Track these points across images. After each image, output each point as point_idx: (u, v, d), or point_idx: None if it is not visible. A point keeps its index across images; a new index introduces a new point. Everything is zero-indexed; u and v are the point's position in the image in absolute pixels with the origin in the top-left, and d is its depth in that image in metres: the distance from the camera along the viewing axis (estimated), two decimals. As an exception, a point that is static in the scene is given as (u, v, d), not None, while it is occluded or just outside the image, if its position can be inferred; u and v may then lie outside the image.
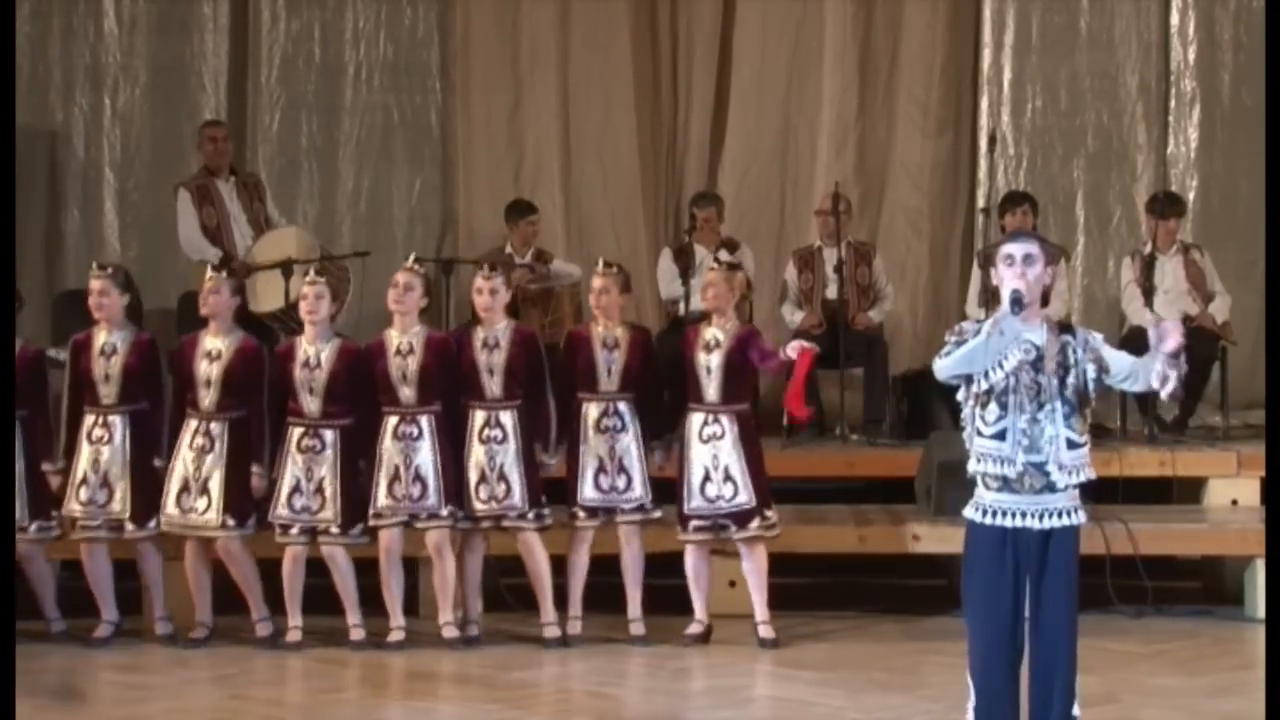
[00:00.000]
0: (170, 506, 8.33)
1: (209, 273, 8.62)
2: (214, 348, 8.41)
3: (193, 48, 11.75)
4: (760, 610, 8.37)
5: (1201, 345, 10.47)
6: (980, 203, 11.10)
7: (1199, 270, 10.69)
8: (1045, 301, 5.83)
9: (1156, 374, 5.52)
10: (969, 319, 9.98)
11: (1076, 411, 5.66)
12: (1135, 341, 8.84)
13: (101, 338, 8.45)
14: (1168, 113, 11.70)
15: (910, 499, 9.40)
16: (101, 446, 8.39)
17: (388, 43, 11.78)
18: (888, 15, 11.69)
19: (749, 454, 8.28)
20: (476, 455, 8.36)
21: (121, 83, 11.73)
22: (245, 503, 8.34)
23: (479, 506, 8.35)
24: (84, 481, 8.37)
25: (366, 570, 8.42)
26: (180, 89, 11.73)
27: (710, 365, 8.33)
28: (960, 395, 5.73)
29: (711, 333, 8.41)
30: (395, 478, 8.29)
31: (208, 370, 8.37)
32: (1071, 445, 5.65)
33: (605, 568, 8.50)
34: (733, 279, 8.53)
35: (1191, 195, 11.53)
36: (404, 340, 8.38)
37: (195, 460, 8.33)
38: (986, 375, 5.60)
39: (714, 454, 8.29)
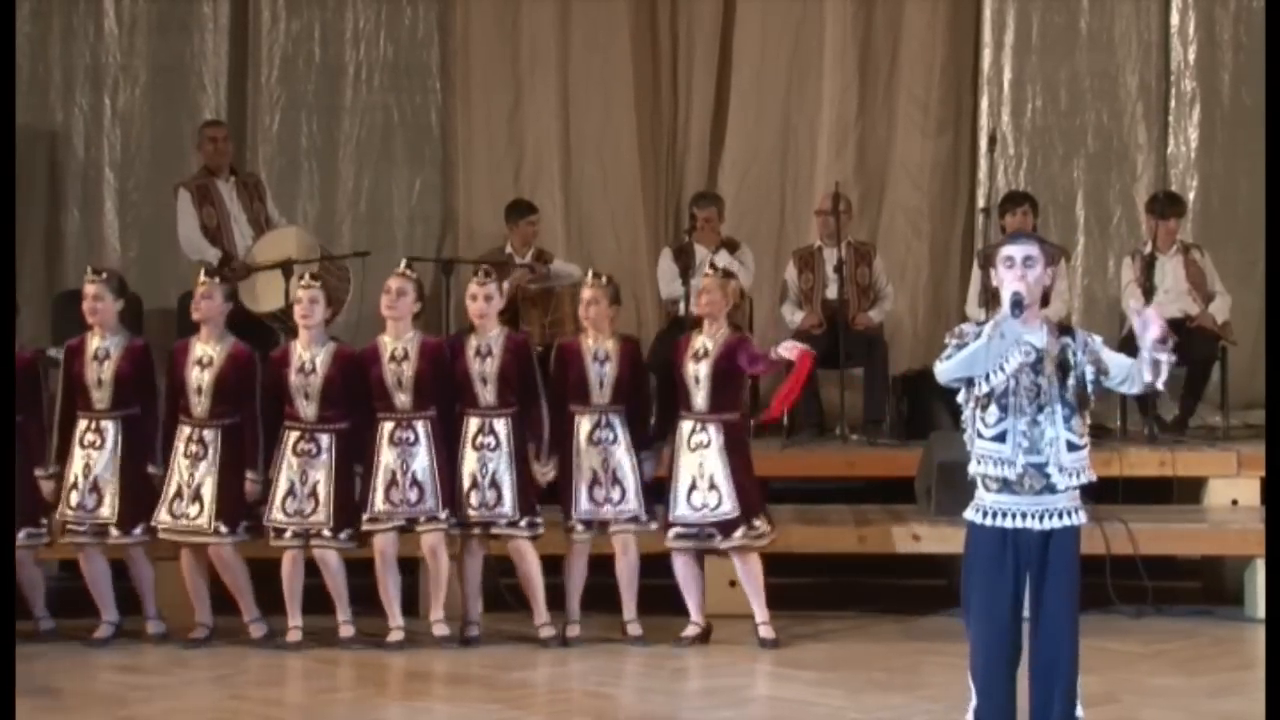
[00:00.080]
0: (163, 513, 8.33)
1: (202, 276, 8.61)
2: (205, 354, 8.41)
3: (193, 48, 11.75)
4: (759, 612, 8.38)
5: (1202, 345, 10.50)
6: (980, 203, 11.10)
7: (1199, 270, 10.69)
8: (1045, 302, 5.83)
9: (1146, 364, 5.51)
10: (969, 319, 10.01)
11: (1076, 413, 5.66)
12: (1135, 342, 8.81)
13: (95, 342, 8.44)
14: (1168, 113, 11.70)
15: (910, 499, 9.41)
16: (94, 452, 8.38)
17: (388, 43, 11.78)
18: (888, 15, 11.69)
19: (734, 463, 8.29)
20: (470, 462, 8.37)
21: (121, 83, 11.72)
22: (238, 509, 8.34)
23: (470, 513, 8.36)
24: (74, 486, 8.37)
25: (365, 571, 8.43)
26: (180, 89, 11.73)
27: (699, 374, 8.34)
28: (961, 397, 5.73)
29: (701, 341, 8.41)
30: (392, 483, 8.30)
31: (199, 377, 8.37)
32: (1071, 447, 5.65)
33: (604, 568, 8.51)
34: (727, 286, 8.53)
35: (1191, 195, 11.53)
36: (398, 346, 8.38)
37: (189, 467, 8.33)
38: (987, 378, 5.60)
39: (700, 462, 8.31)
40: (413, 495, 8.30)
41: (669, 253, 10.99)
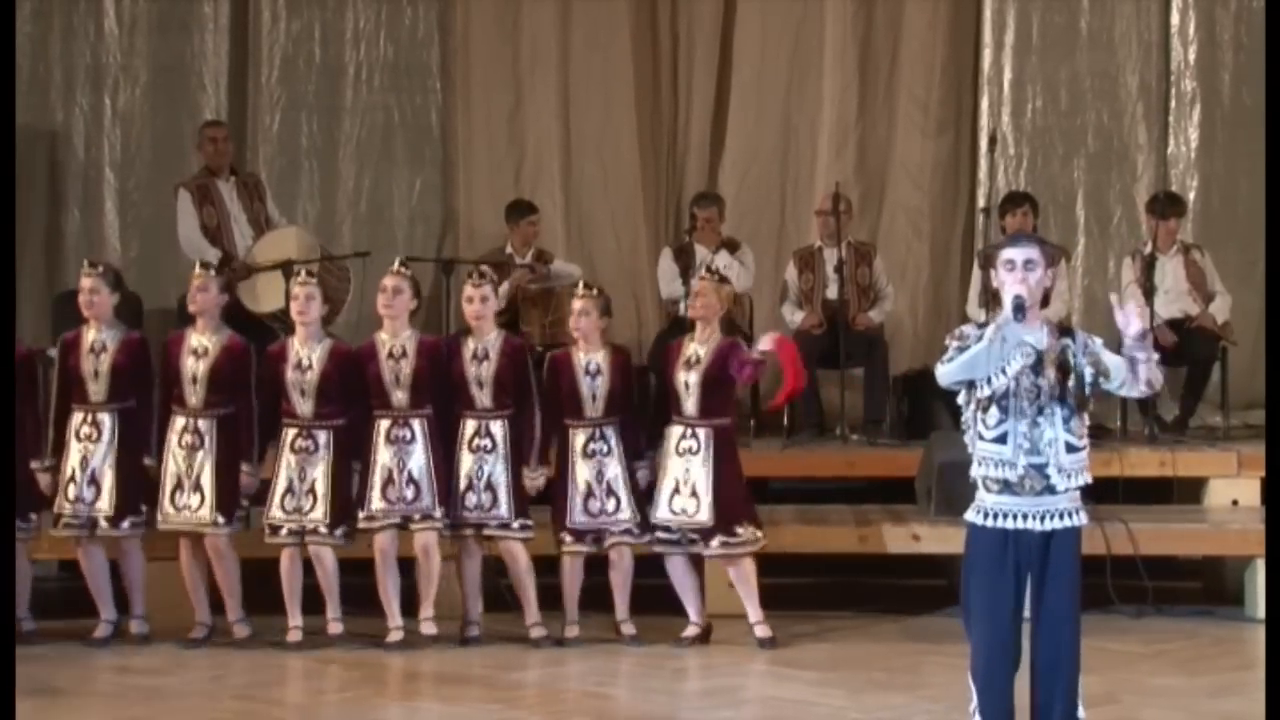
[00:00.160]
0: (166, 505, 8.34)
1: (197, 269, 8.61)
2: (200, 345, 8.41)
3: (193, 48, 11.75)
4: (754, 613, 8.38)
5: (1202, 345, 10.50)
6: (981, 203, 11.10)
7: (1199, 270, 10.69)
8: (1045, 302, 5.83)
9: (1126, 362, 5.52)
10: (970, 319, 10.01)
11: (1075, 414, 5.66)
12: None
13: (91, 335, 8.44)
14: (1168, 113, 11.70)
15: (910, 499, 9.41)
16: (90, 444, 8.39)
17: (388, 43, 11.78)
18: (888, 15, 11.68)
19: (720, 471, 8.29)
20: (466, 464, 8.38)
21: (122, 82, 11.72)
22: (234, 500, 8.36)
23: (466, 514, 8.37)
24: (72, 480, 8.37)
25: (365, 571, 8.43)
26: (181, 89, 11.73)
27: (689, 381, 8.34)
28: (961, 399, 5.73)
29: (693, 348, 8.41)
30: (389, 481, 8.31)
31: (194, 367, 8.37)
32: (1071, 449, 5.65)
33: (601, 568, 8.51)
34: (721, 290, 8.54)
35: (1192, 195, 11.52)
36: (396, 344, 8.39)
37: (186, 458, 8.34)
38: (989, 381, 5.60)
39: (687, 468, 8.32)
40: (409, 493, 8.31)
41: (669, 253, 10.99)
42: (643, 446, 8.49)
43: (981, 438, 5.67)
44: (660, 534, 8.37)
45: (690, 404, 8.35)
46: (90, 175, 11.72)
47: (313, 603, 8.43)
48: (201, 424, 8.36)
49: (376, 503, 8.32)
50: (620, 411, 8.47)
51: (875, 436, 10.35)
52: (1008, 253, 5.68)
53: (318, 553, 8.32)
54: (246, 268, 10.19)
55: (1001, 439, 5.64)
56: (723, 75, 11.77)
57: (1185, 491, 9.67)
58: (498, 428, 8.41)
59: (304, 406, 8.33)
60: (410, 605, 8.49)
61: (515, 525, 8.38)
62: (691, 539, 8.35)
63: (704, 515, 8.27)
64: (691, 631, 8.44)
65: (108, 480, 8.37)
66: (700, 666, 8.11)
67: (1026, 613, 5.71)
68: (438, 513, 8.32)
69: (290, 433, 8.35)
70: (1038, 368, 5.61)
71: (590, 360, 8.47)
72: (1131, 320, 5.51)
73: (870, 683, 7.65)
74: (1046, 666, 5.69)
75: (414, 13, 11.79)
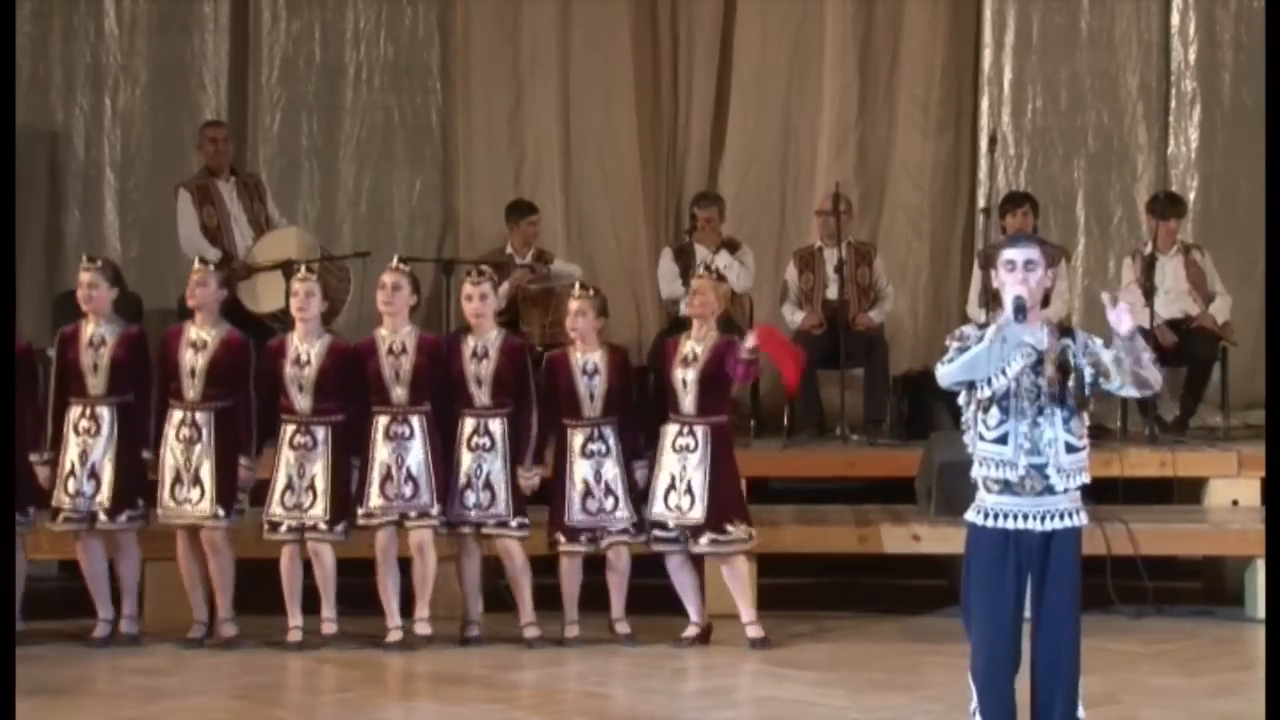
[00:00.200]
0: (165, 499, 8.34)
1: (196, 264, 8.61)
2: (199, 338, 8.42)
3: (193, 48, 11.75)
4: (746, 613, 8.38)
5: (1202, 345, 10.50)
6: (981, 203, 11.10)
7: (1199, 270, 10.69)
8: (1045, 303, 5.83)
9: (1116, 364, 5.52)
10: (970, 319, 10.01)
11: (1075, 414, 5.66)
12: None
13: (90, 329, 8.45)
14: (1168, 113, 11.70)
15: (911, 499, 9.41)
16: (89, 438, 8.38)
17: (388, 43, 11.78)
18: (888, 15, 11.68)
19: (716, 470, 8.29)
20: (465, 462, 8.39)
21: (122, 83, 11.72)
22: (233, 493, 8.37)
23: (464, 512, 8.37)
24: (71, 473, 8.37)
25: (364, 571, 8.43)
26: (181, 89, 11.73)
27: (686, 379, 8.34)
28: (962, 399, 5.73)
29: (690, 346, 8.41)
30: (387, 477, 8.31)
31: (192, 360, 8.37)
32: (1070, 449, 5.65)
33: (600, 568, 8.51)
34: (719, 289, 8.55)
35: (1192, 195, 11.52)
36: (396, 340, 8.40)
37: (184, 451, 8.34)
38: (989, 382, 5.59)
39: (682, 465, 8.32)
40: (407, 490, 8.31)
41: (669, 253, 11.00)
42: (641, 446, 8.49)
43: (982, 438, 5.67)
44: (657, 532, 8.37)
45: (688, 401, 8.35)
46: (90, 175, 11.72)
47: (311, 602, 8.42)
48: (199, 417, 8.36)
49: (375, 499, 8.32)
50: (618, 411, 8.48)
51: (875, 437, 10.35)
52: (1008, 253, 5.68)
53: (316, 549, 8.32)
54: (247, 268, 10.19)
55: (1002, 439, 5.64)
56: (723, 75, 11.77)
57: (1185, 492, 9.66)
58: (496, 426, 8.41)
59: (302, 402, 8.33)
60: (410, 605, 8.49)
61: (513, 524, 8.38)
62: (686, 535, 8.35)
63: (696, 513, 8.28)
64: (691, 631, 8.44)
65: (107, 474, 8.36)
66: (700, 666, 8.11)
67: (1027, 613, 5.71)
68: (434, 510, 8.32)
69: (289, 429, 8.35)
70: (1038, 368, 5.61)
71: (588, 360, 8.47)
72: (1123, 318, 5.50)
73: (870, 683, 7.65)
74: (1047, 667, 5.69)
75: (414, 13, 11.79)
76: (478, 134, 11.73)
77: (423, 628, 8.33)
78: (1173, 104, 11.69)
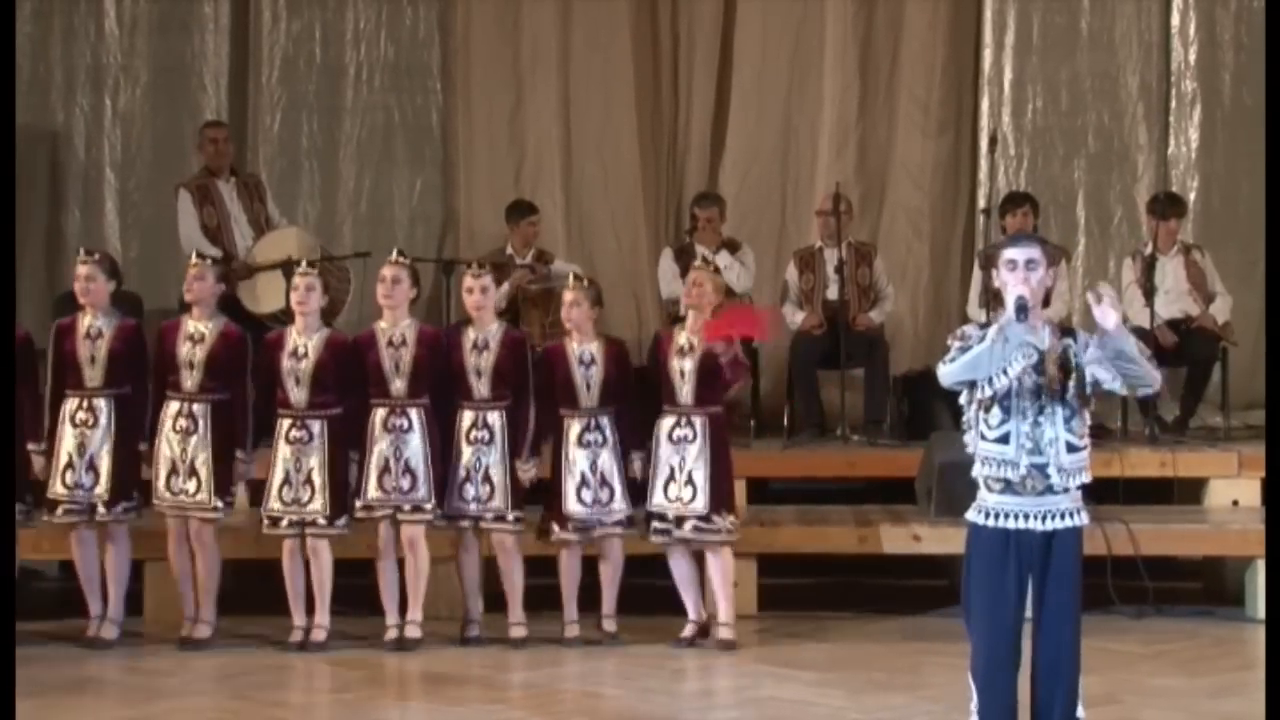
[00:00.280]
0: (161, 490, 8.34)
1: (194, 258, 8.62)
2: (197, 331, 8.42)
3: (193, 48, 11.75)
4: (724, 612, 8.35)
5: (1202, 346, 10.50)
6: (981, 203, 11.09)
7: (1200, 271, 10.69)
8: (1046, 303, 5.83)
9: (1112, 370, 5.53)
10: (970, 320, 10.01)
11: (1077, 414, 5.66)
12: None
13: (87, 321, 8.45)
14: (1168, 113, 11.70)
15: (911, 499, 9.41)
16: (87, 430, 8.38)
17: (388, 43, 11.78)
18: (889, 15, 11.68)
19: (716, 460, 8.30)
20: (464, 455, 8.38)
21: (122, 83, 11.73)
22: (229, 485, 8.38)
23: (463, 506, 8.37)
24: (69, 465, 8.37)
25: (364, 571, 8.42)
26: (181, 89, 11.73)
27: (684, 369, 8.34)
28: (963, 399, 5.73)
29: (686, 337, 8.41)
30: (385, 470, 8.31)
31: (190, 352, 8.37)
32: (1071, 448, 5.65)
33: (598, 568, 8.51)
34: (716, 280, 8.57)
35: (1192, 196, 11.52)
36: (395, 332, 8.40)
37: (180, 442, 8.33)
38: (991, 381, 5.59)
39: (681, 456, 8.31)
40: (405, 483, 8.30)
41: (670, 253, 11.00)
42: (641, 438, 8.46)
43: (984, 437, 5.67)
44: (656, 524, 8.36)
45: (685, 391, 8.35)
46: (91, 175, 11.72)
47: (312, 603, 8.42)
48: (196, 409, 8.35)
49: (373, 492, 8.32)
50: (615, 401, 8.47)
51: (875, 437, 10.34)
52: (1009, 252, 5.68)
53: (315, 546, 8.31)
54: (247, 268, 10.19)
55: (1004, 439, 5.64)
56: (723, 75, 11.77)
57: (1186, 492, 9.66)
58: (495, 419, 8.41)
59: (298, 395, 8.32)
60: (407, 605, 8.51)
61: (510, 518, 8.38)
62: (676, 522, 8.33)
63: (699, 503, 8.27)
64: (689, 631, 8.43)
65: (105, 466, 8.36)
66: (700, 667, 8.11)
67: (1028, 613, 5.71)
68: (429, 505, 8.32)
69: (285, 423, 8.34)
70: (1039, 367, 5.61)
71: (584, 350, 8.47)
72: (1108, 314, 5.50)
73: (870, 683, 7.65)
74: (1047, 666, 5.69)
75: (414, 13, 11.79)
76: (478, 134, 11.73)
77: (413, 630, 8.32)
78: (1173, 104, 11.69)
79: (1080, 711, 5.71)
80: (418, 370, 8.35)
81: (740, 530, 8.45)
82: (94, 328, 8.43)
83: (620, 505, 8.42)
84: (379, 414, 8.36)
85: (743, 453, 9.73)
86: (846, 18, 11.62)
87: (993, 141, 10.86)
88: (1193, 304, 10.61)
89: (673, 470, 8.32)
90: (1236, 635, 8.63)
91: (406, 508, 8.32)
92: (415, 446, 8.33)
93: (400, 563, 8.39)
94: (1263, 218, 10.42)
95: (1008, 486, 5.66)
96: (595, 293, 8.58)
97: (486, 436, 8.40)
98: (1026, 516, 5.66)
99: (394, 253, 8.59)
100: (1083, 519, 5.70)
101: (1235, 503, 9.63)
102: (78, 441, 8.37)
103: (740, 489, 9.39)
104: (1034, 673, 5.71)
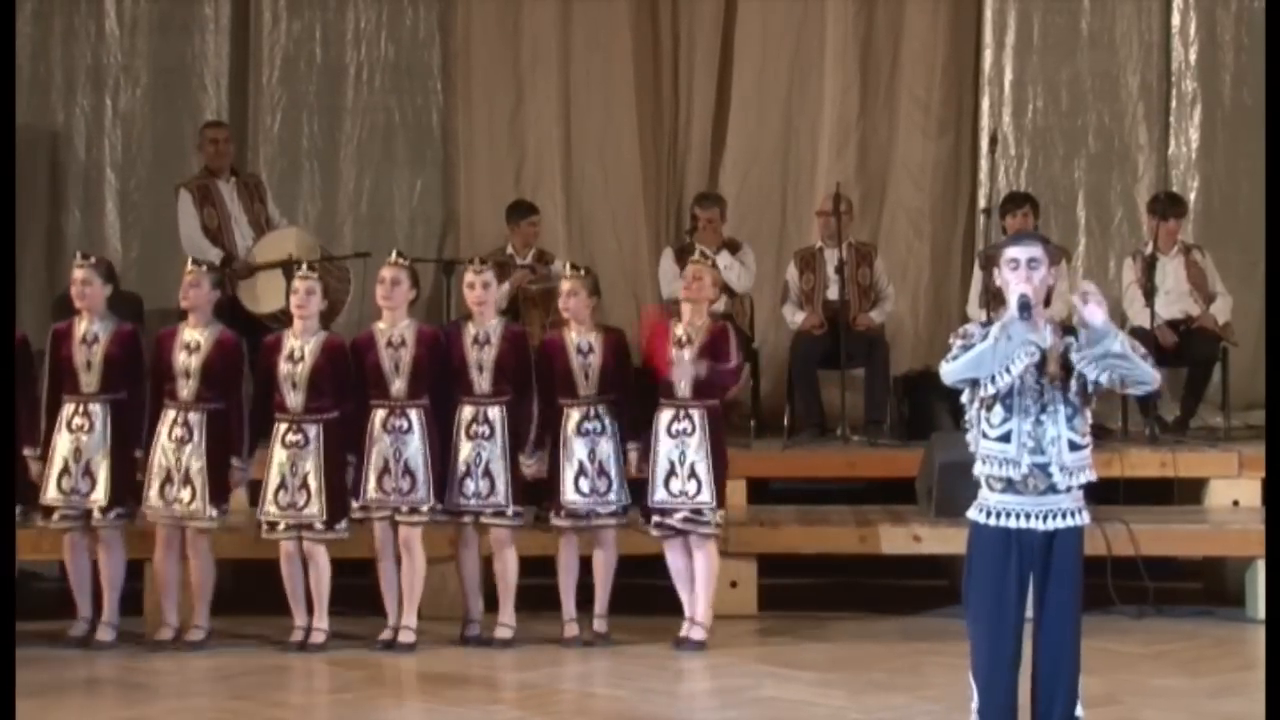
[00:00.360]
0: (154, 498, 8.33)
1: (189, 265, 8.61)
2: (193, 339, 8.41)
3: (194, 48, 11.75)
4: (701, 610, 8.32)
5: (1203, 346, 10.49)
6: (981, 203, 11.10)
7: (1200, 271, 10.69)
8: (1047, 302, 5.83)
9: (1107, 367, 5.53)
10: (970, 320, 10.00)
11: (1079, 412, 5.66)
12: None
13: (83, 326, 8.44)
14: (1169, 113, 11.70)
15: (911, 500, 9.40)
16: (82, 435, 8.37)
17: (389, 43, 11.78)
18: (889, 16, 11.68)
19: (715, 452, 8.30)
20: (464, 450, 8.38)
21: (123, 83, 11.73)
22: (223, 494, 8.37)
23: (462, 501, 8.37)
24: (65, 471, 8.36)
25: (364, 572, 8.42)
26: (181, 90, 11.73)
27: (683, 361, 8.34)
28: (965, 398, 5.73)
29: (683, 329, 8.42)
30: (385, 470, 8.31)
31: (186, 361, 8.37)
32: (1074, 447, 5.65)
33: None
34: (715, 274, 8.62)
35: (1192, 196, 11.52)
36: (395, 333, 8.40)
37: (175, 451, 8.32)
38: (994, 380, 5.59)
39: (681, 450, 8.31)
40: (404, 484, 8.30)
41: (670, 253, 10.98)
42: (638, 430, 8.45)
43: (986, 436, 5.67)
44: (657, 518, 8.34)
45: (683, 384, 8.34)
46: (91, 176, 11.72)
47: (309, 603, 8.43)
48: (192, 418, 8.34)
49: (372, 493, 8.32)
50: (613, 390, 8.46)
51: (876, 437, 10.34)
52: (1011, 251, 5.68)
53: (311, 551, 8.30)
54: (247, 268, 10.19)
55: (1006, 437, 5.64)
56: (723, 76, 11.77)
57: (1186, 492, 9.66)
58: (495, 414, 8.41)
59: (294, 399, 8.31)
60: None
61: (509, 513, 8.38)
62: (685, 520, 8.31)
63: (705, 495, 8.27)
64: (687, 630, 8.40)
65: (102, 472, 8.35)
66: (701, 667, 8.10)
67: (1028, 612, 5.71)
68: (425, 506, 8.31)
69: (281, 427, 8.33)
70: (1041, 366, 5.61)
71: (582, 340, 8.47)
72: (1095, 312, 5.50)
73: (871, 683, 7.65)
74: (1047, 666, 5.69)
75: (415, 13, 11.79)
76: (478, 134, 11.73)
77: (407, 635, 8.30)
78: (1173, 104, 11.70)
79: (1079, 711, 5.71)
80: (417, 371, 8.35)
81: (732, 527, 8.43)
82: (90, 333, 8.42)
83: (616, 495, 8.41)
84: (379, 415, 8.35)
85: (743, 453, 9.74)
86: (847, 18, 11.63)
87: (993, 141, 10.86)
88: (1193, 304, 10.61)
89: (673, 465, 8.31)
90: (1237, 635, 8.63)
91: (404, 509, 8.31)
92: (415, 447, 8.32)
93: (399, 562, 8.39)
94: (1263, 218, 10.42)
95: (1009, 485, 5.65)
96: (593, 282, 8.58)
97: (487, 431, 8.40)
98: (1028, 516, 5.65)
99: (393, 254, 8.59)
100: (1084, 518, 5.70)
101: (1235, 503, 9.63)
102: (73, 447, 8.37)
103: (740, 489, 9.43)
104: (1034, 672, 5.71)
